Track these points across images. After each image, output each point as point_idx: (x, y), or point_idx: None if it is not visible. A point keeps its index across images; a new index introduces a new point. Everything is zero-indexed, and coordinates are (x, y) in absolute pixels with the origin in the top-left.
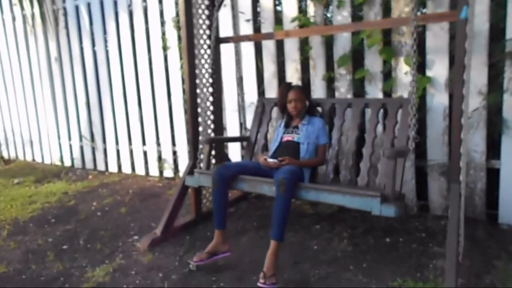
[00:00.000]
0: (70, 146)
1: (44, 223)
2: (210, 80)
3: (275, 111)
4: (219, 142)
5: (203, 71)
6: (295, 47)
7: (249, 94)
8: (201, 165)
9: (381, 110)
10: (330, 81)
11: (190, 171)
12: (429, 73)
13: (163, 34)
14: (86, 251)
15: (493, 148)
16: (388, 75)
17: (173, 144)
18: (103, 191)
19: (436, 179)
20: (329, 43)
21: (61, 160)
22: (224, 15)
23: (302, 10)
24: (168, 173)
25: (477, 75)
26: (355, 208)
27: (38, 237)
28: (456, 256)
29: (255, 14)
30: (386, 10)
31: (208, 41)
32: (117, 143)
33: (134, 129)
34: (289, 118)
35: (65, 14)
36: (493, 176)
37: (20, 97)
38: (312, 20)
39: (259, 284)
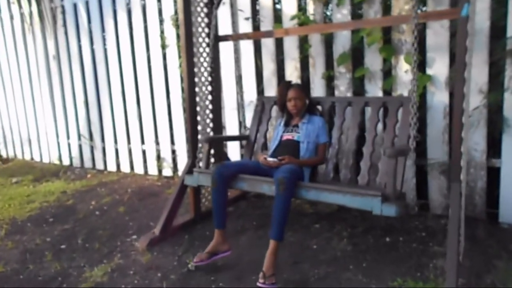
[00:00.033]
0: (69, 145)
1: (42, 222)
2: (209, 78)
3: (274, 110)
4: (219, 141)
5: (202, 69)
6: (295, 45)
7: (248, 93)
8: (200, 164)
9: (382, 109)
10: (329, 80)
11: (189, 170)
12: (429, 71)
13: (162, 32)
14: (84, 250)
15: (494, 147)
16: (388, 73)
17: (172, 143)
18: (101, 190)
19: (436, 178)
20: (328, 41)
21: (60, 159)
22: (223, 13)
23: (302, 8)
24: (167, 172)
25: (478, 73)
26: (355, 207)
27: (36, 237)
28: (457, 256)
29: (254, 12)
30: (386, 8)
31: (207, 39)
32: (115, 142)
33: (133, 127)
34: (289, 116)
35: (63, 12)
36: (493, 175)
37: (18, 96)
38: (311, 18)
39: (258, 284)
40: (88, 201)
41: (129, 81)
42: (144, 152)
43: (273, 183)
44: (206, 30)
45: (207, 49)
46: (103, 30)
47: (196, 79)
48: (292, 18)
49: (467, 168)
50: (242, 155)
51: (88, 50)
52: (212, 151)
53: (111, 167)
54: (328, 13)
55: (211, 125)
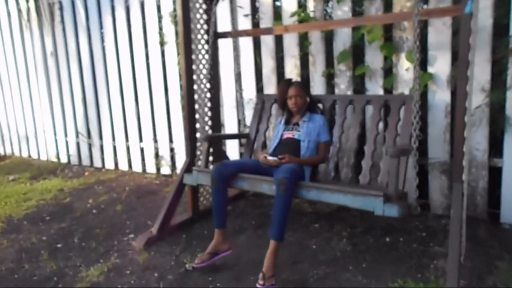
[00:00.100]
0: (67, 142)
1: (38, 220)
2: (208, 76)
3: (274, 108)
4: (218, 139)
5: (201, 66)
6: (294, 42)
7: (248, 90)
8: (199, 163)
9: (383, 107)
10: (329, 78)
11: (187, 168)
12: (430, 69)
13: (160, 29)
14: (80, 250)
15: (495, 146)
16: (389, 71)
17: (171, 141)
18: (99, 188)
19: (437, 177)
20: (329, 39)
21: (57, 157)
22: (222, 9)
23: (302, 5)
24: (165, 170)
25: (480, 72)
26: (357, 208)
27: (32, 235)
28: (458, 257)
29: (254, 8)
30: (387, 5)
31: (205, 36)
32: (113, 139)
33: (131, 125)
34: (289, 114)
35: (61, 9)
36: (495, 174)
37: (16, 93)
38: (311, 15)
39: (258, 285)
40: (86, 199)
41: (127, 78)
42: (142, 150)
43: (273, 183)
44: (205, 26)
45: (206, 46)
46: (101, 26)
47: (195, 77)
48: (292, 15)
49: (468, 168)
50: (241, 154)
51: (86, 47)
52: (211, 150)
53: (109, 165)
54: (329, 10)
55: (209, 123)
